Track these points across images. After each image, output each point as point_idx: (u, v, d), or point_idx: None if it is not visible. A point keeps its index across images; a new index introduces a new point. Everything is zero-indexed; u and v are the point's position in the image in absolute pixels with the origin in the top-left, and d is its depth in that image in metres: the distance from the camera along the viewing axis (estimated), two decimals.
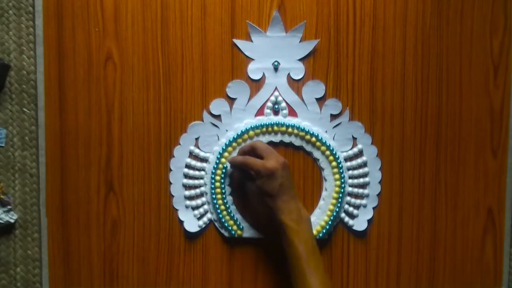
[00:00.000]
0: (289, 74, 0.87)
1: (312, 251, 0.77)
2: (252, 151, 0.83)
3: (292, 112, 0.87)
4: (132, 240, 0.88)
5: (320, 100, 0.87)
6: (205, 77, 0.87)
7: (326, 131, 0.88)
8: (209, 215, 0.88)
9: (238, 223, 0.87)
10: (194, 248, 0.88)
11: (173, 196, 0.88)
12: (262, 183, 0.79)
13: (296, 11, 0.86)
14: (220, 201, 0.86)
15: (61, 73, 0.86)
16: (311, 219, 0.82)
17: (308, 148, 0.87)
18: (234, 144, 0.86)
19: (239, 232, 0.87)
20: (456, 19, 0.87)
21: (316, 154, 0.87)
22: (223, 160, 0.86)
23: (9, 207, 0.86)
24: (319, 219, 0.87)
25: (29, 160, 0.87)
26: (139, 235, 0.88)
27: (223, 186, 0.87)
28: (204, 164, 0.88)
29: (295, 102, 0.87)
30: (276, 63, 0.86)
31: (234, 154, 0.87)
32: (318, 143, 0.87)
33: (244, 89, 0.87)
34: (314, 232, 0.87)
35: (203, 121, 0.87)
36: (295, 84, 0.87)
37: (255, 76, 0.87)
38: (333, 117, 0.88)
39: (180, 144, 0.87)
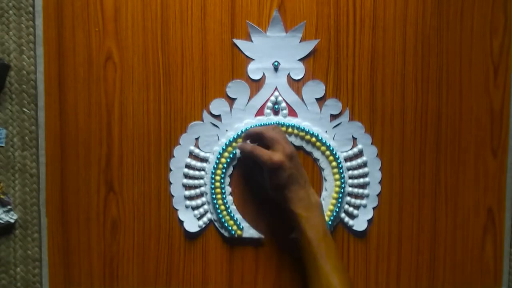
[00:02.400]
0: (289, 74, 0.87)
1: (323, 236, 0.77)
2: (260, 139, 0.81)
3: (292, 112, 0.87)
4: (132, 240, 0.88)
5: (320, 100, 0.87)
6: (205, 77, 0.87)
7: (326, 131, 0.88)
8: (209, 215, 0.88)
9: (238, 223, 0.87)
10: (194, 248, 0.88)
11: (173, 196, 0.88)
12: (270, 176, 0.78)
13: (296, 11, 0.86)
14: (220, 201, 0.86)
15: (61, 73, 0.86)
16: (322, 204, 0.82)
17: (308, 148, 0.87)
18: (234, 144, 0.86)
19: (239, 232, 0.87)
20: (456, 19, 0.87)
21: (316, 154, 0.87)
22: (223, 160, 0.86)
23: (9, 207, 0.86)
24: None
25: (29, 160, 0.87)
26: (139, 235, 0.88)
27: (223, 186, 0.87)
28: (204, 164, 0.88)
29: (295, 102, 0.87)
30: (276, 63, 0.86)
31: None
32: (318, 143, 0.87)
33: (244, 89, 0.87)
34: None
35: (203, 121, 0.87)
36: (295, 84, 0.87)
37: (255, 76, 0.87)
38: (333, 117, 0.88)
39: (180, 144, 0.87)
